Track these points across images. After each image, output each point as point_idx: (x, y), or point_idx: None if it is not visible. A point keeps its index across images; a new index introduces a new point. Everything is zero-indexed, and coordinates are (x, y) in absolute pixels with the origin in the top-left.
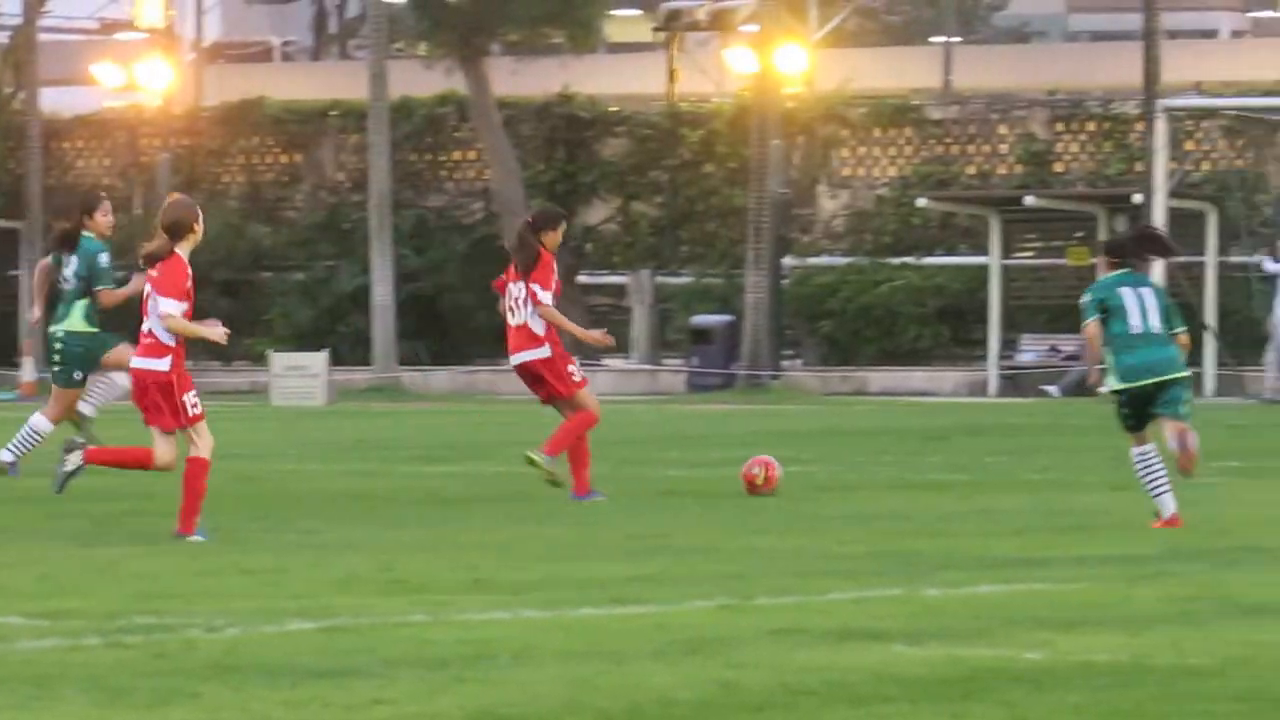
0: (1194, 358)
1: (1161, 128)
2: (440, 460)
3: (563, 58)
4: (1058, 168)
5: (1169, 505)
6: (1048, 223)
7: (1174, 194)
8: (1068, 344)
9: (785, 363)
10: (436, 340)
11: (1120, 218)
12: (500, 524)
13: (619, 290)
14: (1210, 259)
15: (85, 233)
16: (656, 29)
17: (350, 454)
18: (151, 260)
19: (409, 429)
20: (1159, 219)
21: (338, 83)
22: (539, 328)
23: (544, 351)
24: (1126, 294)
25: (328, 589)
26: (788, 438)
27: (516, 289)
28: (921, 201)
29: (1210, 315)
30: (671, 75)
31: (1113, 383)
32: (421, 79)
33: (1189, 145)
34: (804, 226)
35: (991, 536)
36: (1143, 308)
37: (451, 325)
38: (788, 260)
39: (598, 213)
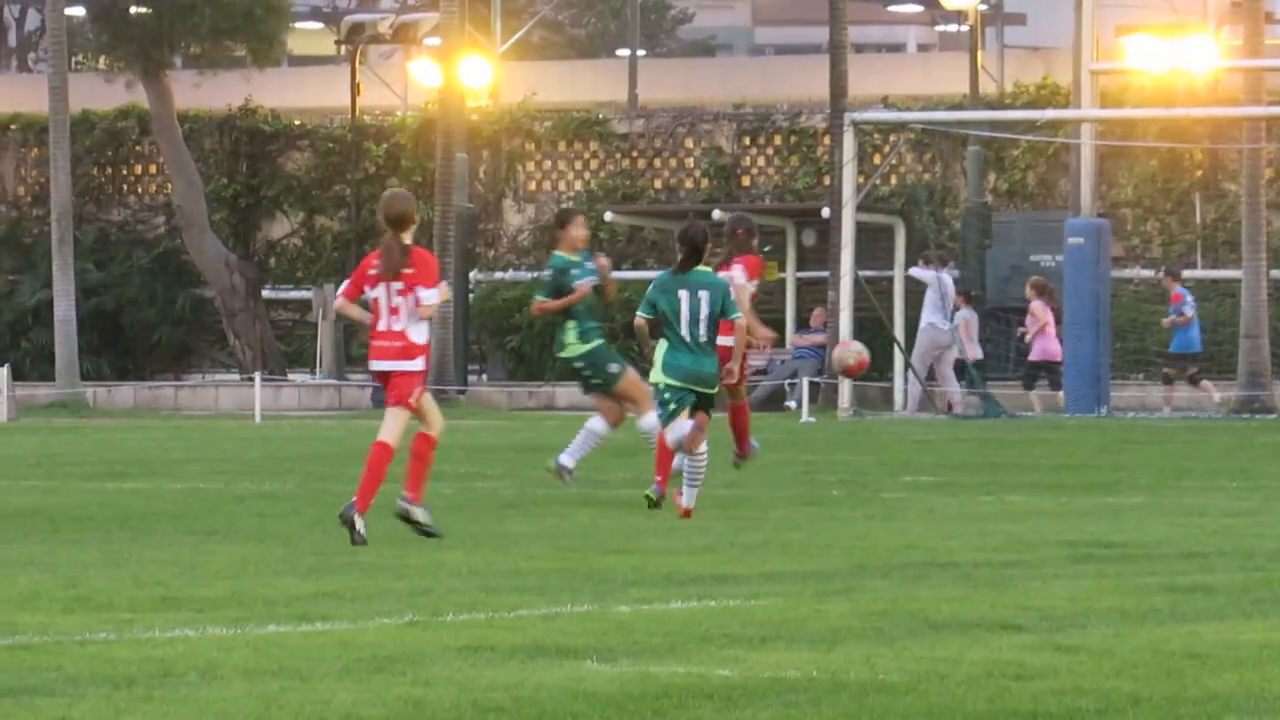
0: (885, 372)
1: (849, 141)
2: (124, 477)
3: (246, 71)
4: (745, 181)
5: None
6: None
7: (862, 207)
8: (758, 358)
9: (472, 378)
10: (119, 356)
11: (809, 231)
12: (185, 541)
13: (303, 305)
14: (899, 272)
15: None
16: (339, 42)
17: (32, 470)
18: (396, 265)
19: (92, 445)
20: (847, 233)
21: (18, 96)
22: None
23: None
24: None
25: (10, 606)
26: (474, 453)
27: None
28: (609, 215)
29: (899, 329)
30: (355, 89)
31: None
32: (103, 92)
33: (877, 159)
34: (490, 241)
35: (681, 553)
36: None
37: (134, 341)
38: (474, 275)
39: (281, 227)
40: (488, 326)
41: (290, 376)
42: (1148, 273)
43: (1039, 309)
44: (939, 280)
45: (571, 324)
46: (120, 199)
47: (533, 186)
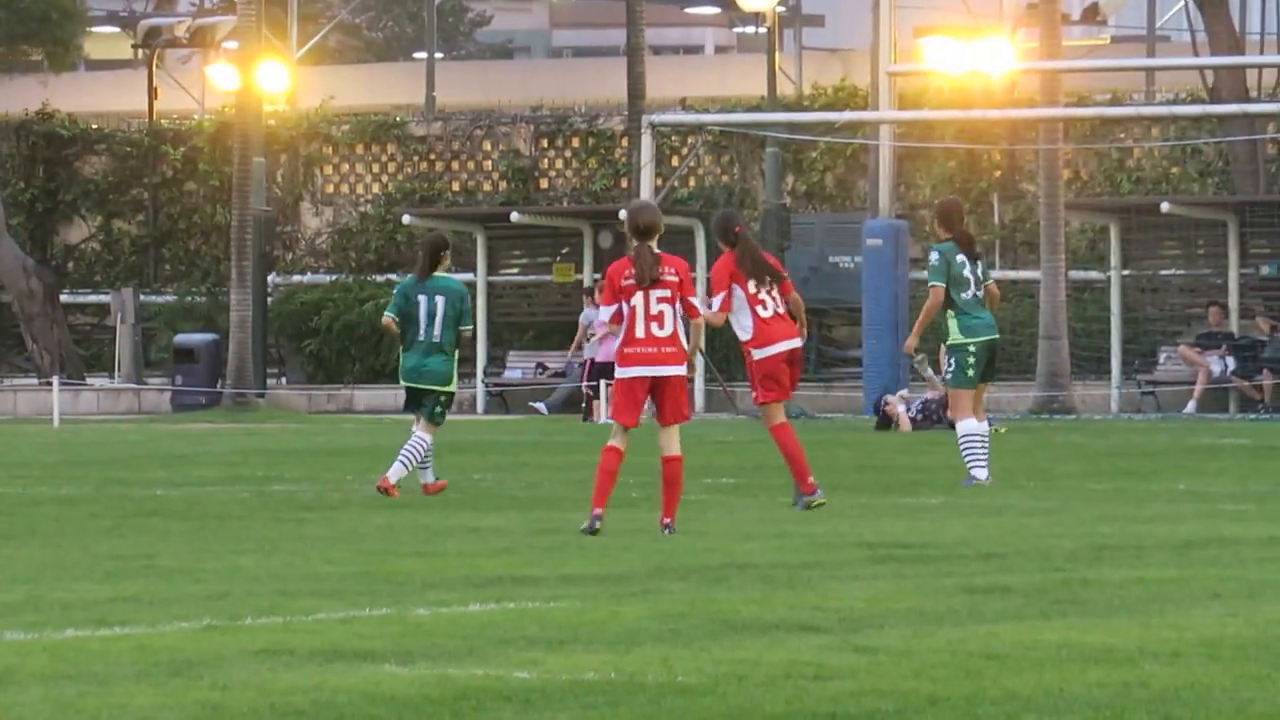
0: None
1: (647, 143)
2: None
3: (42, 75)
4: (543, 184)
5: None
6: (533, 239)
7: (661, 210)
8: (555, 360)
9: (271, 381)
10: None
11: (605, 233)
12: None
13: (102, 309)
14: (700, 274)
15: None
16: (136, 46)
17: None
18: (650, 273)
19: None
20: None
21: None
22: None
23: None
24: None
25: None
26: (274, 456)
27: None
28: (406, 219)
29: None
30: (152, 93)
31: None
32: None
33: (675, 161)
34: (288, 244)
35: (479, 555)
36: None
37: None
38: (272, 278)
39: (79, 231)
40: (286, 329)
41: (89, 380)
42: None
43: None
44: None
45: None
46: None
47: (330, 190)
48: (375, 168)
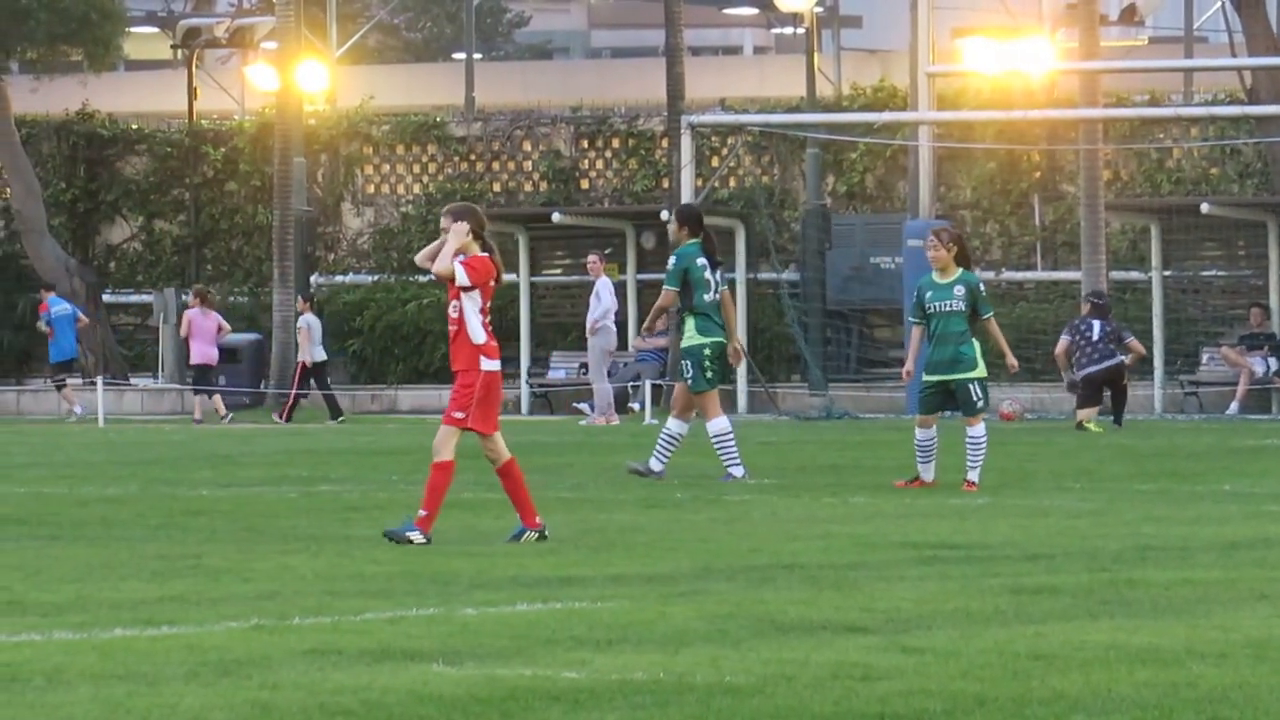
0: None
1: (687, 144)
2: None
3: (82, 75)
4: (584, 184)
5: None
6: (576, 239)
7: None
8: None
9: (315, 381)
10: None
11: (648, 234)
12: (29, 545)
13: (144, 309)
14: (741, 275)
15: None
16: (175, 46)
17: None
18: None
19: None
20: None
21: None
22: None
23: None
24: None
25: None
26: (319, 456)
27: None
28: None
29: (741, 332)
30: (192, 93)
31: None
32: None
33: (715, 161)
34: (330, 244)
35: (525, 556)
36: None
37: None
38: (315, 278)
39: (120, 231)
40: (329, 330)
41: (132, 381)
42: (988, 274)
43: None
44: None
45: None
46: None
47: (371, 190)
48: (415, 168)
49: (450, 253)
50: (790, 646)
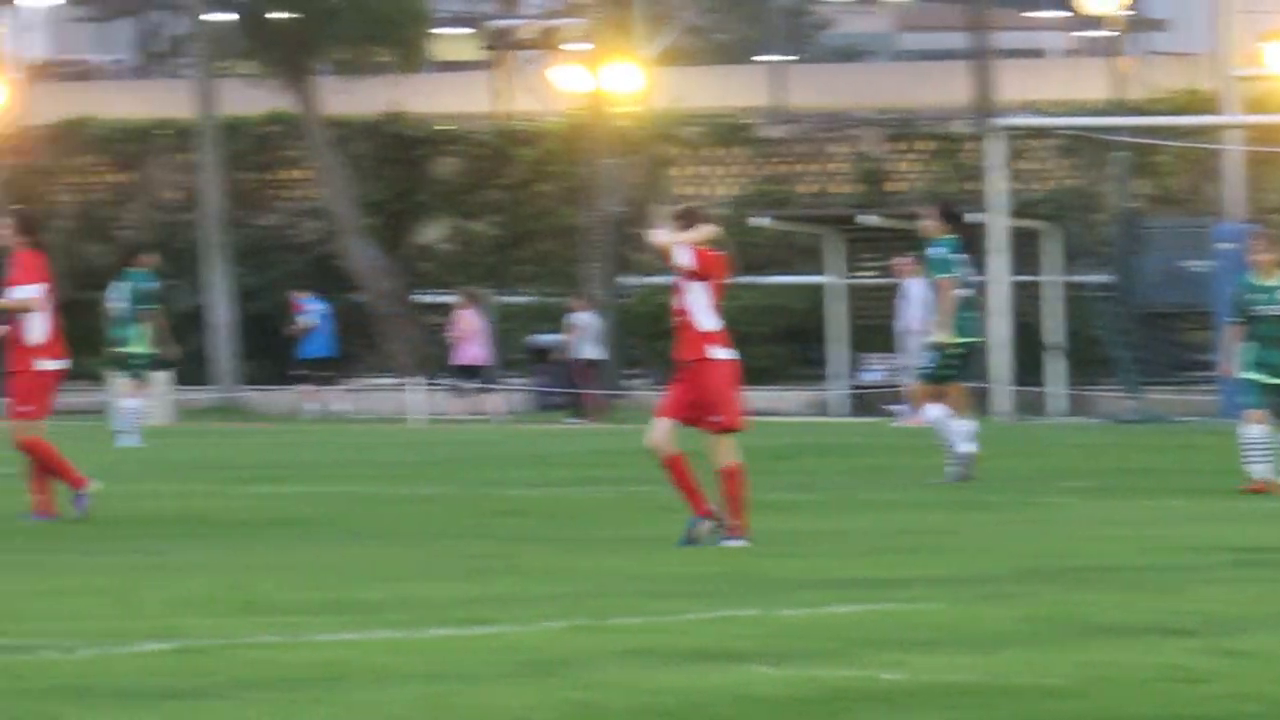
0: (1036, 377)
1: (998, 146)
2: (282, 480)
3: (390, 76)
4: (893, 186)
5: None
6: (885, 241)
7: (1013, 213)
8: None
9: (630, 382)
10: (274, 359)
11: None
12: (347, 544)
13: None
14: (1056, 278)
15: None
16: (484, 47)
17: (195, 474)
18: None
19: (251, 449)
20: (1000, 238)
21: (166, 101)
22: None
23: None
24: None
25: (179, 610)
26: (632, 456)
27: None
28: (763, 221)
29: (1057, 335)
30: (500, 94)
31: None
32: (250, 97)
33: (1022, 164)
34: (641, 245)
35: (844, 556)
36: None
37: (289, 344)
38: (629, 279)
39: (431, 231)
40: (643, 330)
41: (444, 380)
42: None
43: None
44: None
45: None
46: (271, 203)
47: (680, 191)
48: (720, 170)
49: (683, 238)
50: (1109, 649)
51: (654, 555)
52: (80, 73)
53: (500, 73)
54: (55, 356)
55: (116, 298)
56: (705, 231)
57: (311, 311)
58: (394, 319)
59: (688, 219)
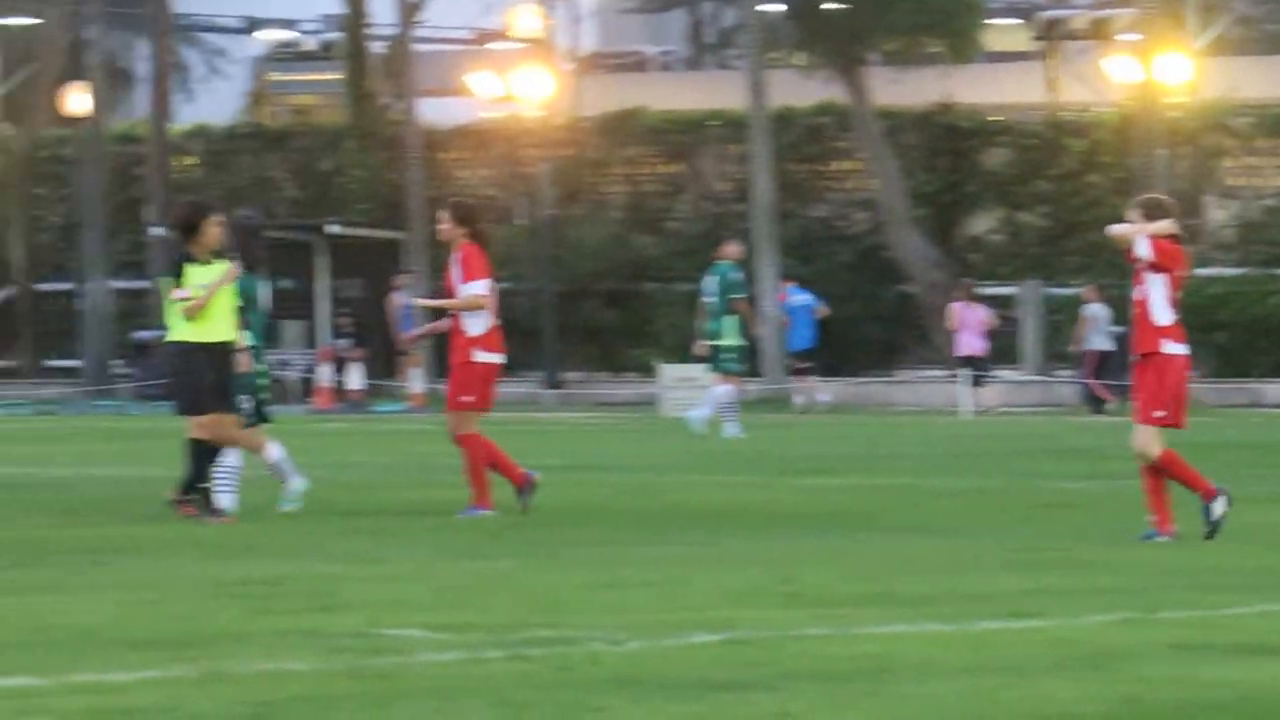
0: None
1: None
2: (833, 473)
3: (942, 67)
4: None
5: None
6: None
7: None
8: None
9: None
10: (823, 351)
11: None
12: (896, 536)
13: (1006, 301)
14: None
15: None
16: (1036, 38)
17: (744, 466)
18: None
19: (800, 441)
20: None
21: (715, 92)
22: None
23: None
24: None
25: (727, 601)
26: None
27: None
28: None
29: None
30: (1052, 84)
31: None
32: (799, 88)
33: None
34: (1191, 237)
35: None
36: None
37: (838, 336)
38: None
39: (981, 223)
40: (1192, 323)
41: (995, 372)
42: None
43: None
44: None
45: None
46: (821, 194)
47: (1233, 182)
48: (1276, 161)
49: (1143, 229)
50: None
51: (1202, 548)
52: (632, 64)
53: (1051, 63)
54: (494, 349)
55: (708, 291)
56: (1165, 224)
57: (794, 301)
58: (944, 311)
59: (1152, 211)
